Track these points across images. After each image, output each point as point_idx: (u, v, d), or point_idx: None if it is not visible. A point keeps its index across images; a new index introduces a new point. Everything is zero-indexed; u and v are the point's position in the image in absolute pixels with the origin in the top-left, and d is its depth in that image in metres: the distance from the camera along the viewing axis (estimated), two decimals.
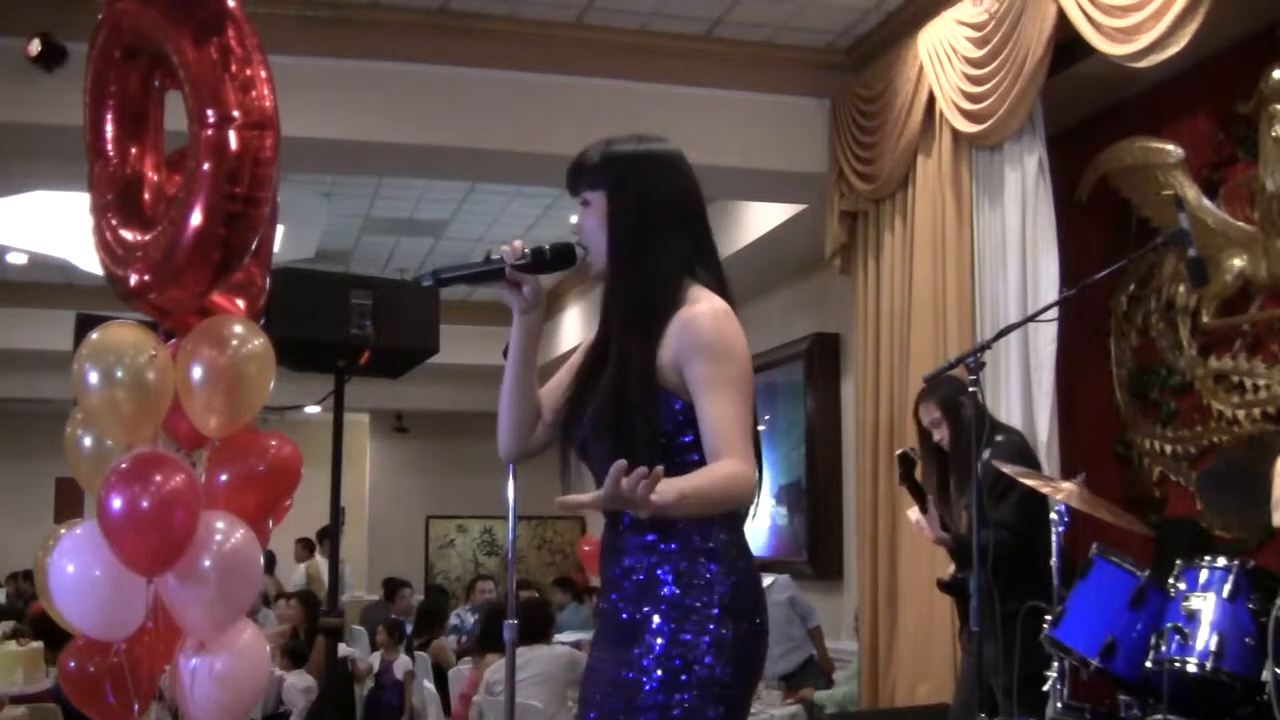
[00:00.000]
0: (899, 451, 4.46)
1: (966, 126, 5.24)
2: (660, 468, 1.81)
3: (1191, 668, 3.32)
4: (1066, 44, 4.69)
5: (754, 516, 2.21)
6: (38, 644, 5.56)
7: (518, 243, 2.21)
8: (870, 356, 6.00)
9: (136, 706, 3.30)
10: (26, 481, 13.46)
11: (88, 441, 3.48)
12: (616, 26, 5.96)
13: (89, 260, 4.44)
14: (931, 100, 5.49)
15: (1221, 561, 3.45)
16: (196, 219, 3.12)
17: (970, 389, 3.84)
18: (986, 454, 4.01)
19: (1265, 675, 3.20)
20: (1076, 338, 5.10)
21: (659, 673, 2.08)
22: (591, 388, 2.22)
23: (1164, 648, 3.38)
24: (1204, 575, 3.45)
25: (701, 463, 2.07)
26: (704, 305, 2.15)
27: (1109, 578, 3.63)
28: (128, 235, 3.37)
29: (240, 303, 3.55)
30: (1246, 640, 3.31)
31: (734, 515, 2.17)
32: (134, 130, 3.51)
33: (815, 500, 7.66)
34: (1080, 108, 5.29)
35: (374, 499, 14.07)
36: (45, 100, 5.18)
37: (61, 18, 5.14)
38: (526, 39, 5.91)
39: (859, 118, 6.04)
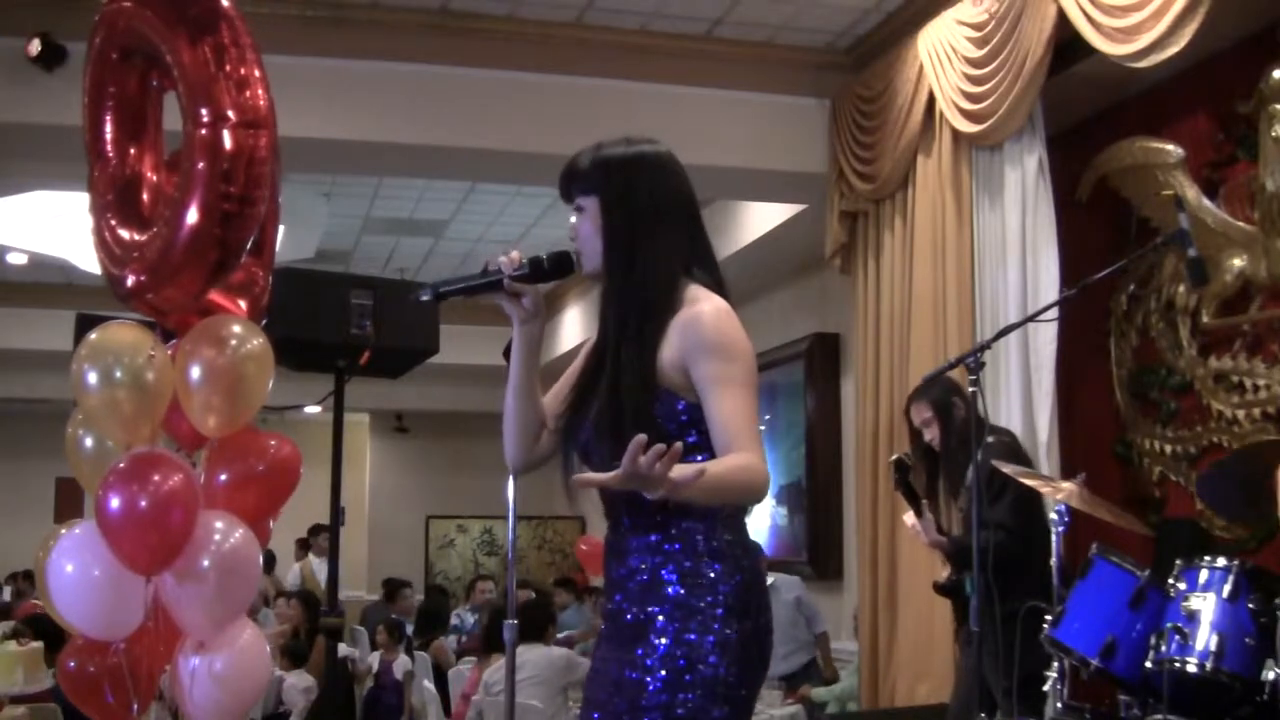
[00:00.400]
0: (892, 458, 4.44)
1: (966, 126, 5.24)
2: (679, 444, 1.79)
3: (1191, 668, 3.31)
4: (1066, 44, 4.69)
5: (749, 515, 2.21)
6: (38, 644, 5.56)
7: (515, 253, 2.20)
8: (870, 356, 6.00)
9: (136, 706, 3.30)
10: (26, 481, 13.43)
11: (89, 442, 3.47)
12: (616, 26, 5.96)
13: (89, 260, 4.43)
14: (931, 100, 5.49)
15: (1221, 561, 3.45)
16: (192, 219, 3.12)
17: (969, 389, 3.84)
18: (978, 455, 4.00)
19: (1266, 675, 3.20)
20: (1076, 338, 5.09)
21: (663, 672, 2.08)
22: (593, 391, 2.22)
23: (1164, 648, 3.38)
24: (1204, 575, 3.44)
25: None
26: (705, 304, 2.15)
27: (1109, 577, 3.63)
28: (126, 235, 3.37)
29: (242, 303, 3.54)
30: (1246, 640, 3.31)
31: (737, 515, 2.17)
32: (133, 131, 3.51)
33: (815, 500, 7.65)
34: (1080, 108, 5.29)
35: (374, 499, 14.06)
36: (45, 100, 5.18)
37: (61, 18, 5.13)
38: (526, 39, 5.91)
39: (859, 118, 6.04)
